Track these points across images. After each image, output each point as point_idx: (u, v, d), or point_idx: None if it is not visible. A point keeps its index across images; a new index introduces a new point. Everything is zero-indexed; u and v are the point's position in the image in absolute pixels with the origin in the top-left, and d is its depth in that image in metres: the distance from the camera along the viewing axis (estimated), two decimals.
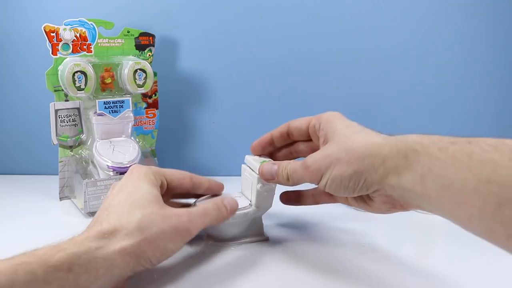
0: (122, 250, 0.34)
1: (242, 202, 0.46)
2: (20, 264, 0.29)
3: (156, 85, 0.64)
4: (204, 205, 0.41)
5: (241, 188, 0.49)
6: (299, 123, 0.46)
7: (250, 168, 0.46)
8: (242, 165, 0.48)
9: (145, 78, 0.59)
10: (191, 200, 0.47)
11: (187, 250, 0.45)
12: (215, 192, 0.47)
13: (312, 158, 0.39)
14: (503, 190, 0.26)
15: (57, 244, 0.32)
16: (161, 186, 0.42)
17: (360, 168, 0.35)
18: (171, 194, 0.45)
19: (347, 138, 0.37)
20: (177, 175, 0.44)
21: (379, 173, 0.34)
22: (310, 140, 0.46)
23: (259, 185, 0.44)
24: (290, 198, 0.48)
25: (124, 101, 0.58)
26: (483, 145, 0.29)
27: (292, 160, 0.42)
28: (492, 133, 0.74)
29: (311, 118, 0.45)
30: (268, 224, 0.48)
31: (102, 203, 0.40)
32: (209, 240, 0.46)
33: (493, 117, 0.72)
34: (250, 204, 0.46)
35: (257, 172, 0.44)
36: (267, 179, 0.43)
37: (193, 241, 0.47)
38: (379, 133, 0.38)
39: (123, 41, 0.60)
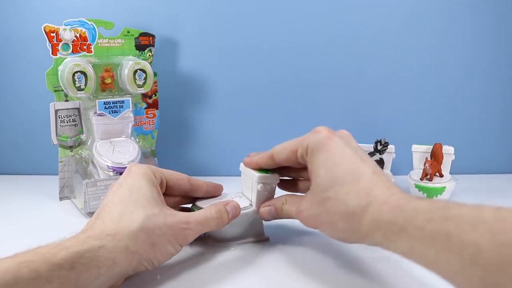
0: (125, 249, 0.34)
1: (242, 202, 0.46)
2: (24, 262, 0.29)
3: (156, 85, 0.64)
4: (206, 210, 0.41)
5: (241, 188, 0.49)
6: (285, 155, 0.43)
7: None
8: (241, 164, 0.48)
9: (145, 78, 0.59)
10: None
11: (187, 250, 0.45)
12: (213, 195, 0.48)
13: (305, 212, 0.40)
14: (488, 274, 0.26)
15: (60, 242, 0.33)
16: (161, 185, 0.42)
17: (345, 236, 0.37)
18: (169, 195, 0.45)
19: (328, 196, 0.37)
20: (176, 176, 0.44)
21: (366, 241, 0.36)
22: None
23: (260, 185, 0.44)
24: (287, 186, 0.48)
25: (124, 101, 0.58)
26: (461, 222, 0.28)
27: (287, 198, 0.43)
28: (494, 136, 0.74)
29: (296, 147, 0.42)
30: (268, 224, 0.48)
31: (102, 200, 0.40)
32: (209, 240, 0.46)
33: (497, 119, 0.72)
34: (251, 204, 0.46)
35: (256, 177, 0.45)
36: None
37: (193, 241, 0.47)
38: (363, 173, 0.36)
39: (123, 41, 0.60)
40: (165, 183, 0.43)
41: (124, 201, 0.37)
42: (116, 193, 0.39)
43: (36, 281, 0.29)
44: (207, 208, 0.42)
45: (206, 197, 0.47)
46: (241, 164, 0.48)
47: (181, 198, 0.47)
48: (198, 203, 0.46)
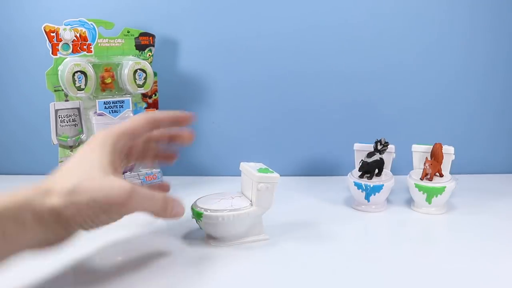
0: (51, 209, 0.34)
1: (243, 202, 0.46)
2: None
3: (156, 85, 0.64)
4: (155, 192, 0.40)
5: (241, 188, 0.49)
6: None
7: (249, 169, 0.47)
8: (241, 163, 0.48)
9: (145, 78, 0.59)
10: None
11: (187, 250, 0.45)
12: (184, 125, 0.46)
13: None
14: None
15: (11, 192, 0.33)
16: (123, 148, 0.41)
17: None
18: (140, 144, 0.45)
19: None
20: (133, 127, 0.42)
21: None
22: None
23: (260, 184, 0.44)
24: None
25: (124, 101, 0.58)
26: None
27: None
28: (494, 136, 0.74)
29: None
30: (268, 224, 0.48)
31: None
32: (209, 240, 0.46)
33: (497, 119, 0.72)
34: (251, 204, 0.46)
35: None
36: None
37: (192, 240, 0.47)
38: None
39: (123, 41, 0.60)
40: (128, 143, 0.42)
41: (71, 165, 0.38)
42: (71, 160, 0.39)
43: None
44: (156, 192, 0.40)
45: (175, 127, 0.45)
46: (241, 164, 0.49)
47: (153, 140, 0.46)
48: (199, 202, 0.46)
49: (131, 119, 0.43)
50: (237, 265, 0.42)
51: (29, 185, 0.35)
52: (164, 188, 0.48)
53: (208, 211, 0.44)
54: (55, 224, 0.34)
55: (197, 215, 0.45)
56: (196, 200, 0.47)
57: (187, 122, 0.46)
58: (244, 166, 0.48)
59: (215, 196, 0.48)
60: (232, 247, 0.46)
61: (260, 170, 0.46)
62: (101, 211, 0.36)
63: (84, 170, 0.37)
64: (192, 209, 0.46)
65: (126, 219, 0.38)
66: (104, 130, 0.41)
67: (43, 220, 0.34)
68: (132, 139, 0.42)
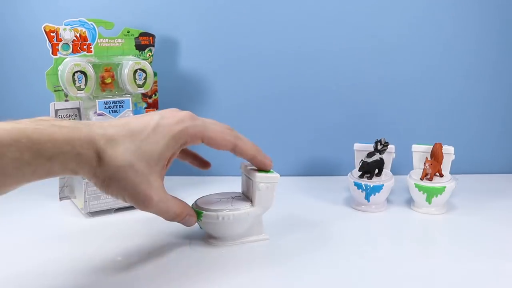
0: (90, 168, 0.36)
1: (243, 202, 0.46)
2: (15, 141, 0.32)
3: (156, 85, 0.64)
4: (170, 206, 0.41)
5: (241, 188, 0.49)
6: None
7: (250, 169, 0.47)
8: (242, 163, 0.48)
9: (145, 78, 0.59)
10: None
11: (187, 250, 0.45)
12: (257, 166, 0.46)
13: None
14: None
15: (52, 132, 0.34)
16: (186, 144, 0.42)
17: None
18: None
19: None
20: (216, 142, 0.43)
21: None
22: None
23: (260, 184, 0.44)
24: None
25: (124, 101, 0.58)
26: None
27: None
28: (494, 136, 0.74)
29: None
30: (268, 224, 0.48)
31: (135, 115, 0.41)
32: (209, 240, 0.46)
33: (497, 119, 0.72)
34: (251, 204, 0.46)
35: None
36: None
37: (192, 240, 0.47)
38: None
39: (123, 41, 0.60)
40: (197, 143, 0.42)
41: (136, 135, 0.38)
42: (141, 122, 0.39)
43: (19, 161, 0.32)
44: (174, 205, 0.42)
45: (253, 163, 0.46)
46: (241, 164, 0.48)
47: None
48: (199, 202, 0.46)
49: (222, 131, 0.43)
50: (237, 265, 0.42)
51: (86, 130, 0.36)
52: (206, 165, 0.49)
53: (208, 210, 0.44)
54: (88, 176, 0.36)
55: (197, 214, 0.45)
56: (196, 200, 0.47)
57: (264, 168, 0.46)
58: (244, 166, 0.48)
59: (216, 196, 0.48)
60: (232, 247, 0.46)
61: (260, 170, 0.46)
62: (123, 198, 0.38)
63: (140, 153, 0.37)
64: (192, 208, 0.46)
65: (126, 218, 0.38)
66: (194, 120, 0.41)
67: (82, 170, 0.35)
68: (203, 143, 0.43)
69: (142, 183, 0.38)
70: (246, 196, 0.48)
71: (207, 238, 0.47)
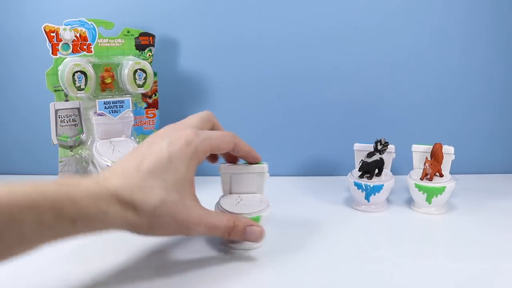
0: (125, 222, 0.35)
1: (254, 199, 0.47)
2: (34, 205, 0.30)
3: (156, 85, 0.64)
4: (218, 219, 0.41)
5: (225, 189, 0.49)
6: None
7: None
8: (222, 165, 0.48)
9: (145, 78, 0.59)
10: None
11: (187, 249, 0.45)
12: (251, 160, 0.47)
13: None
14: None
15: (72, 192, 0.33)
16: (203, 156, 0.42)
17: None
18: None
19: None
20: (221, 148, 0.44)
21: None
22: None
23: (267, 174, 0.47)
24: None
25: (124, 101, 0.58)
26: None
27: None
28: (495, 136, 0.74)
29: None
30: (268, 224, 0.48)
31: (140, 145, 0.41)
32: (233, 245, 0.46)
33: (497, 119, 0.72)
34: (260, 196, 0.47)
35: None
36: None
37: (192, 240, 0.47)
38: None
39: (123, 41, 0.60)
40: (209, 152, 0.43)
41: (156, 171, 0.37)
42: (155, 157, 0.38)
43: (39, 225, 0.31)
44: (223, 218, 0.41)
45: (247, 160, 0.47)
46: (222, 166, 0.48)
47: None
48: (222, 202, 0.46)
49: (222, 137, 0.44)
50: (236, 265, 0.42)
51: (105, 186, 0.35)
52: (257, 159, 0.48)
53: (250, 214, 0.44)
54: (122, 229, 0.36)
55: (255, 220, 0.44)
56: (220, 197, 0.47)
57: (256, 162, 0.48)
58: (227, 166, 0.48)
59: (228, 200, 0.47)
60: (232, 247, 0.46)
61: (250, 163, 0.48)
62: (167, 233, 0.39)
63: (168, 186, 0.37)
64: (217, 204, 0.46)
65: None
66: (197, 136, 0.41)
67: (114, 227, 0.35)
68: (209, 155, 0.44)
69: (182, 211, 0.38)
70: (236, 193, 0.48)
71: (230, 243, 0.46)
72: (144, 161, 0.38)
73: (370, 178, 0.56)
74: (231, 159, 0.49)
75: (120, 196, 0.35)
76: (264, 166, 0.47)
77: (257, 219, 0.44)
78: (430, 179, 0.56)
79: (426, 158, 0.58)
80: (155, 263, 0.42)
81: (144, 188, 0.36)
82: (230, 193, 0.48)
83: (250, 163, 0.48)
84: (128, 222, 0.35)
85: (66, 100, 0.58)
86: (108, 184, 0.35)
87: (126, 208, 0.35)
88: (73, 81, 0.54)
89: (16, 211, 0.30)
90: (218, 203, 0.47)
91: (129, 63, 0.57)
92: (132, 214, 0.35)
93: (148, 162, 0.38)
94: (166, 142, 0.39)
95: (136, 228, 0.36)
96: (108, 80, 0.58)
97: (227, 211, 0.44)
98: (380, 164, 0.57)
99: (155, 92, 0.64)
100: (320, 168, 0.73)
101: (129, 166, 0.38)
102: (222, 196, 0.48)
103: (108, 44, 0.59)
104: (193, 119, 0.44)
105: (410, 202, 0.59)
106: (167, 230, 0.38)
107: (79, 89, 0.55)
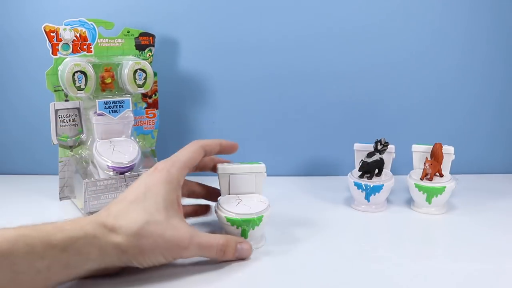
0: (116, 246, 0.36)
1: (253, 198, 0.47)
2: (22, 236, 0.32)
3: (156, 85, 0.64)
4: (212, 239, 0.41)
5: (224, 190, 0.48)
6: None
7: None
8: (218, 166, 0.48)
9: (145, 78, 0.59)
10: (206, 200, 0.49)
11: None
12: (228, 153, 0.48)
13: None
14: None
15: (60, 224, 0.35)
16: (182, 182, 0.43)
17: None
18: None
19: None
20: (193, 157, 0.44)
21: None
22: None
23: (265, 174, 0.47)
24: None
25: (124, 101, 0.58)
26: None
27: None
28: (495, 136, 0.74)
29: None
30: (268, 224, 0.48)
31: (121, 192, 0.41)
32: None
33: (497, 119, 0.72)
34: (258, 195, 0.47)
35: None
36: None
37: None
38: None
39: (123, 41, 0.60)
40: (186, 173, 0.44)
41: (136, 201, 0.39)
42: (134, 191, 0.40)
43: (30, 255, 0.32)
44: (215, 236, 0.41)
45: (223, 154, 0.48)
46: (219, 166, 0.48)
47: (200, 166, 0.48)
48: (222, 203, 0.46)
49: (187, 149, 0.44)
50: (237, 265, 0.42)
51: (90, 218, 0.37)
52: (232, 148, 0.48)
53: (258, 214, 0.44)
54: (117, 259, 0.37)
55: (254, 221, 0.44)
56: (219, 199, 0.47)
57: (233, 150, 0.48)
58: (227, 167, 0.48)
59: (227, 201, 0.47)
60: None
61: (248, 163, 0.48)
62: (160, 255, 0.38)
63: (149, 210, 0.38)
64: (242, 220, 0.44)
65: None
66: (166, 162, 0.42)
67: (107, 254, 0.36)
68: (190, 170, 0.44)
69: (168, 230, 0.38)
70: (235, 193, 0.48)
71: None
72: (126, 195, 0.40)
73: (370, 178, 0.56)
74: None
75: (105, 223, 0.36)
76: (262, 166, 0.48)
77: (259, 219, 0.44)
78: (430, 179, 0.56)
79: (426, 158, 0.58)
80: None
81: (127, 213, 0.38)
82: (229, 194, 0.48)
83: (241, 162, 0.48)
84: (118, 246, 0.36)
85: (66, 100, 0.58)
86: (94, 216, 0.38)
87: (112, 232, 0.36)
88: (73, 81, 0.54)
89: (6, 244, 0.31)
90: (218, 204, 0.46)
91: (129, 63, 0.57)
92: (119, 237, 0.36)
93: (129, 195, 0.40)
94: (143, 176, 0.42)
95: (127, 253, 0.37)
96: (108, 80, 0.58)
97: (228, 211, 0.44)
98: (380, 164, 0.57)
99: (155, 92, 0.64)
100: (320, 168, 0.73)
101: (114, 202, 0.40)
102: (221, 197, 0.48)
103: (108, 44, 0.59)
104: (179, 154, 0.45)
105: (410, 202, 0.59)
106: (158, 253, 0.38)
107: (79, 89, 0.55)
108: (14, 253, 0.31)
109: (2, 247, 0.31)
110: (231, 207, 0.45)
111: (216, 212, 0.46)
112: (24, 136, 0.71)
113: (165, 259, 0.39)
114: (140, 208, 0.38)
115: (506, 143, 0.73)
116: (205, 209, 0.52)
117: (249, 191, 0.48)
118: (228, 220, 0.44)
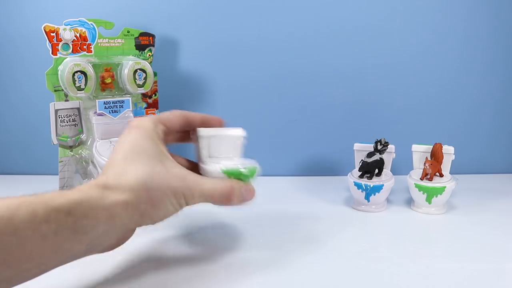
0: (123, 204, 0.35)
1: (246, 162, 0.44)
2: (24, 202, 0.31)
3: (156, 85, 0.64)
4: (216, 184, 0.39)
5: (201, 155, 0.45)
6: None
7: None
8: (197, 129, 0.45)
9: (145, 78, 0.59)
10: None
11: (186, 249, 0.45)
12: (211, 126, 0.45)
13: None
14: None
15: (62, 191, 0.34)
16: (165, 134, 0.42)
17: None
18: (169, 137, 0.44)
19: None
20: (171, 117, 0.43)
21: None
22: None
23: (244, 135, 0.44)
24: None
25: (124, 101, 0.58)
26: None
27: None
28: (495, 135, 0.74)
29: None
30: (268, 224, 0.48)
31: (109, 157, 0.40)
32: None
33: (497, 119, 0.72)
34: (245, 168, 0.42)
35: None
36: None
37: (192, 240, 0.47)
38: None
39: (123, 41, 0.60)
40: (166, 130, 0.42)
41: (129, 158, 0.37)
42: (120, 151, 0.38)
43: (33, 220, 0.30)
44: (220, 181, 0.40)
45: (204, 127, 0.45)
46: (197, 129, 0.45)
47: (181, 134, 0.46)
48: (207, 167, 0.42)
49: (166, 113, 0.43)
50: (236, 265, 0.42)
51: (90, 183, 0.35)
52: (216, 121, 0.46)
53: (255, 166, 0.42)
54: (127, 219, 0.35)
55: (251, 173, 0.42)
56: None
57: (218, 125, 0.46)
58: (208, 130, 0.45)
59: (213, 161, 0.44)
60: (229, 243, 0.46)
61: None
62: (171, 205, 0.37)
63: (147, 163, 0.37)
64: (239, 171, 0.42)
65: None
66: (140, 119, 0.41)
67: (116, 215, 0.34)
68: (167, 132, 0.42)
69: (173, 178, 0.37)
70: (214, 157, 0.44)
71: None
72: (115, 157, 0.38)
73: (370, 178, 0.56)
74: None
75: (107, 184, 0.35)
76: (241, 129, 0.45)
77: (254, 171, 0.42)
78: (430, 179, 0.56)
79: (426, 158, 0.58)
80: (155, 263, 0.42)
81: (126, 171, 0.36)
82: (209, 157, 0.45)
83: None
84: (126, 203, 0.35)
85: (66, 100, 0.58)
86: (94, 181, 0.36)
87: (118, 191, 0.35)
88: (73, 81, 0.54)
89: (8, 211, 0.30)
90: (202, 169, 0.43)
91: (129, 63, 0.58)
92: (126, 195, 0.35)
93: (117, 155, 0.38)
94: (122, 137, 0.40)
95: (138, 209, 0.35)
96: (108, 80, 0.58)
97: (221, 168, 0.41)
98: (380, 164, 0.57)
99: (155, 92, 0.64)
100: (320, 168, 0.73)
101: (106, 167, 0.38)
102: (201, 162, 0.44)
103: (108, 44, 0.59)
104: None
105: (410, 202, 0.59)
106: (169, 203, 0.37)
107: (79, 89, 0.55)
108: (16, 218, 0.30)
109: (4, 214, 0.29)
110: (223, 164, 0.42)
111: (203, 169, 0.43)
112: (24, 136, 0.71)
113: (174, 208, 0.37)
114: (137, 163, 0.37)
115: (506, 143, 0.73)
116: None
117: (228, 156, 0.45)
118: (225, 172, 0.41)
